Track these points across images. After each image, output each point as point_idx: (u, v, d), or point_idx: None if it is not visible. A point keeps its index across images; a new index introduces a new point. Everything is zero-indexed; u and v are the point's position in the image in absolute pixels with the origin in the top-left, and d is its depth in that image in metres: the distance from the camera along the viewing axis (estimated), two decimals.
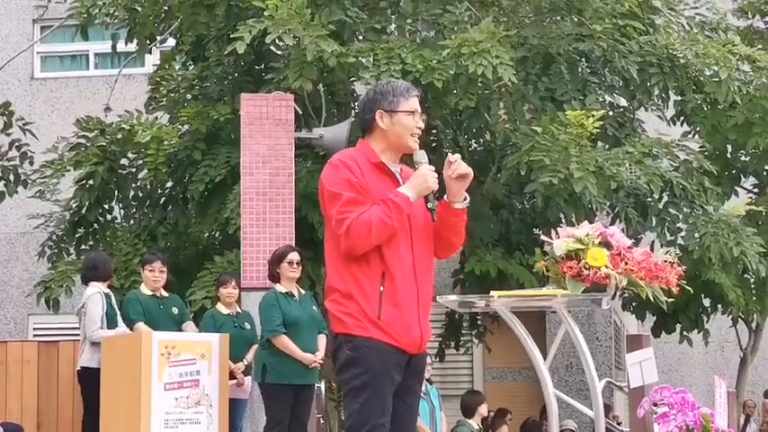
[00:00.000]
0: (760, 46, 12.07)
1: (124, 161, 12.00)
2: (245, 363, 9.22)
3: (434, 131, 11.49)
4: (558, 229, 5.27)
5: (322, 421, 9.99)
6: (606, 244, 5.12)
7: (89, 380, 8.78)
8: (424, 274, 4.65)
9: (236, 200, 9.93)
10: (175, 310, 9.19)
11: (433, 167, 4.64)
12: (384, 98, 4.67)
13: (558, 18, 11.35)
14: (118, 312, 9.03)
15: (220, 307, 9.42)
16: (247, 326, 9.34)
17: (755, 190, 14.20)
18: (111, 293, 9.14)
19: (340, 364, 4.60)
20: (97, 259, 9.39)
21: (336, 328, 4.61)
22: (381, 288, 4.52)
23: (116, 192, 12.06)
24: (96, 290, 8.98)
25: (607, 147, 11.09)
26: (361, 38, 10.82)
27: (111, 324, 8.91)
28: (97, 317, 8.81)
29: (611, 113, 11.51)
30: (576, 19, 11.17)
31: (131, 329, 8.86)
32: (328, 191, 4.56)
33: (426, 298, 4.66)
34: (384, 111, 4.65)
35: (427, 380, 10.66)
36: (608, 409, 13.72)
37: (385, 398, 4.54)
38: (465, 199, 4.69)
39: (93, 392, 8.66)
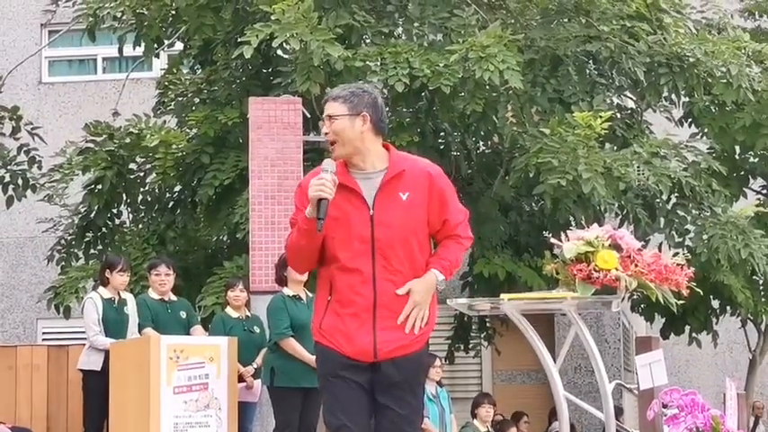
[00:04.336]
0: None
1: (133, 165, 12.03)
2: (255, 366, 9.23)
3: (442, 134, 11.50)
4: (568, 231, 5.27)
5: None
6: (616, 246, 5.12)
7: (84, 381, 8.99)
8: (387, 283, 4.55)
9: (246, 205, 9.94)
10: (183, 314, 9.20)
11: (328, 175, 4.49)
12: None
13: (566, 20, 11.34)
14: (129, 318, 9.03)
15: (229, 310, 9.43)
16: (256, 329, 9.35)
17: (764, 191, 14.18)
18: (119, 298, 9.10)
19: None
20: (103, 263, 9.45)
21: None
22: (329, 298, 4.60)
23: (125, 196, 12.09)
24: (89, 296, 9.07)
25: (615, 148, 11.09)
26: (368, 41, 10.83)
27: (114, 328, 8.90)
28: (91, 322, 8.86)
29: (618, 115, 11.50)
30: (583, 21, 11.17)
31: (140, 334, 8.90)
32: None
33: (392, 308, 4.56)
34: None
35: (437, 382, 10.66)
36: (619, 411, 13.72)
37: (338, 398, 4.57)
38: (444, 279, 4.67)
39: (89, 394, 8.85)
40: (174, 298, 9.25)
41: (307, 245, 4.56)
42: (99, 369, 8.64)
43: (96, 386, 8.57)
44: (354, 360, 4.56)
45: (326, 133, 4.62)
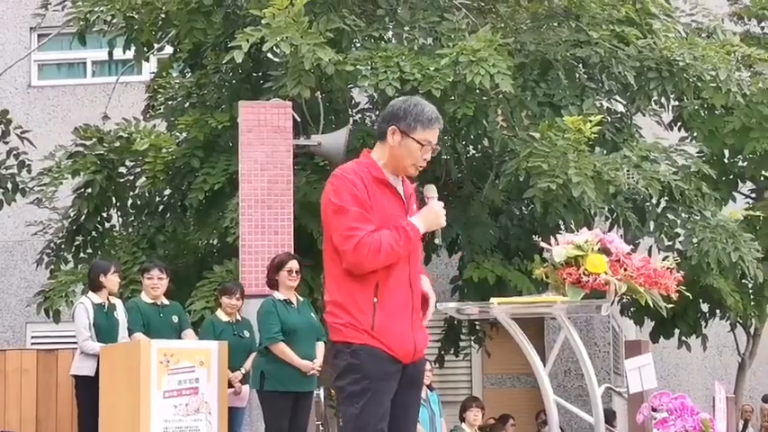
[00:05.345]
0: (757, 50, 12.07)
1: (122, 169, 12.01)
2: (243, 371, 9.20)
3: None
4: (558, 235, 5.28)
5: (321, 428, 9.99)
6: (605, 250, 5.13)
7: (78, 387, 8.95)
8: (417, 284, 4.69)
9: (236, 210, 9.93)
10: (175, 319, 9.18)
11: (442, 203, 4.66)
12: (405, 117, 4.65)
13: (556, 24, 11.37)
14: (119, 323, 9.01)
15: (220, 314, 9.40)
16: (246, 334, 9.33)
17: (753, 195, 14.22)
18: (109, 303, 9.07)
19: (339, 370, 4.61)
20: (91, 270, 9.41)
21: (334, 336, 4.63)
22: (375, 299, 4.54)
23: (114, 200, 12.07)
24: (80, 301, 9.04)
25: (605, 152, 11.12)
26: (358, 45, 10.83)
27: (105, 333, 8.88)
28: (81, 327, 8.83)
29: (608, 119, 11.53)
30: (573, 25, 11.19)
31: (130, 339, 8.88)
32: (334, 204, 4.54)
33: (419, 309, 4.69)
34: (398, 129, 4.63)
35: (428, 386, 10.67)
36: (612, 415, 13.74)
37: (383, 403, 4.55)
38: None
39: (83, 400, 8.79)
40: (166, 302, 9.22)
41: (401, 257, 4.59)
42: (93, 375, 8.61)
43: (90, 392, 8.53)
44: (400, 362, 4.59)
45: (426, 158, 4.72)
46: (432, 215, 4.63)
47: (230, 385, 8.97)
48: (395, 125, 4.63)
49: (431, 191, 4.71)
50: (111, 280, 9.04)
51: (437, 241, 4.72)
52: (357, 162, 4.71)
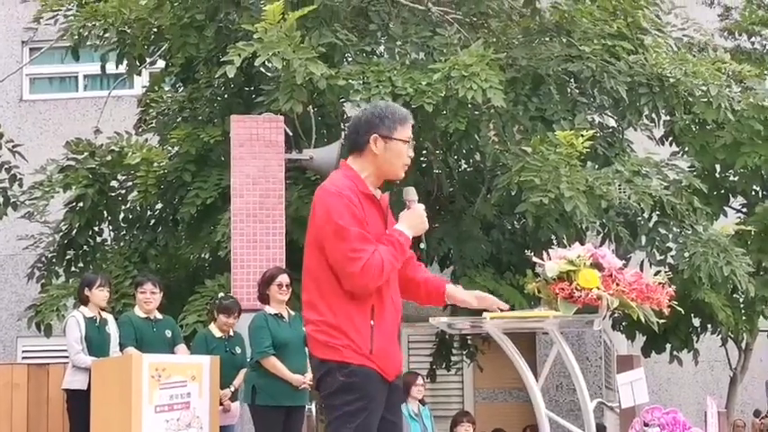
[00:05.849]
0: (747, 66, 12.14)
1: (114, 183, 12.00)
2: (232, 389, 9.15)
3: (425, 152, 11.52)
4: (550, 250, 5.28)
5: None
6: (597, 265, 5.13)
7: (69, 401, 8.92)
8: (398, 298, 4.68)
9: (227, 224, 9.93)
10: (168, 333, 9.14)
11: (423, 206, 4.63)
12: (382, 122, 4.56)
13: (547, 39, 11.41)
14: (111, 337, 8.99)
15: (213, 329, 9.36)
16: (238, 350, 9.28)
17: (744, 210, 14.25)
18: (100, 317, 9.05)
19: (331, 389, 4.55)
20: (81, 282, 9.40)
21: (328, 355, 4.53)
22: (372, 322, 4.50)
23: (106, 214, 12.06)
24: (72, 314, 9.03)
25: (597, 166, 11.14)
26: (350, 60, 10.85)
27: (96, 348, 8.86)
28: (73, 341, 8.81)
29: (600, 133, 11.56)
30: (564, 40, 11.23)
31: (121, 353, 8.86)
32: (335, 224, 4.43)
33: (400, 322, 4.71)
34: (380, 136, 4.55)
35: (420, 401, 10.66)
36: (604, 430, 13.74)
37: (375, 422, 4.55)
38: None
39: (75, 413, 8.76)
40: (159, 316, 9.18)
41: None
42: (85, 388, 8.58)
43: (82, 406, 8.50)
44: (387, 381, 4.58)
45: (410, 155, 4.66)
46: (416, 219, 4.58)
47: (220, 403, 8.93)
48: (375, 133, 4.55)
49: (411, 194, 4.64)
50: (96, 294, 9.00)
51: (422, 246, 4.68)
52: (345, 176, 4.60)
